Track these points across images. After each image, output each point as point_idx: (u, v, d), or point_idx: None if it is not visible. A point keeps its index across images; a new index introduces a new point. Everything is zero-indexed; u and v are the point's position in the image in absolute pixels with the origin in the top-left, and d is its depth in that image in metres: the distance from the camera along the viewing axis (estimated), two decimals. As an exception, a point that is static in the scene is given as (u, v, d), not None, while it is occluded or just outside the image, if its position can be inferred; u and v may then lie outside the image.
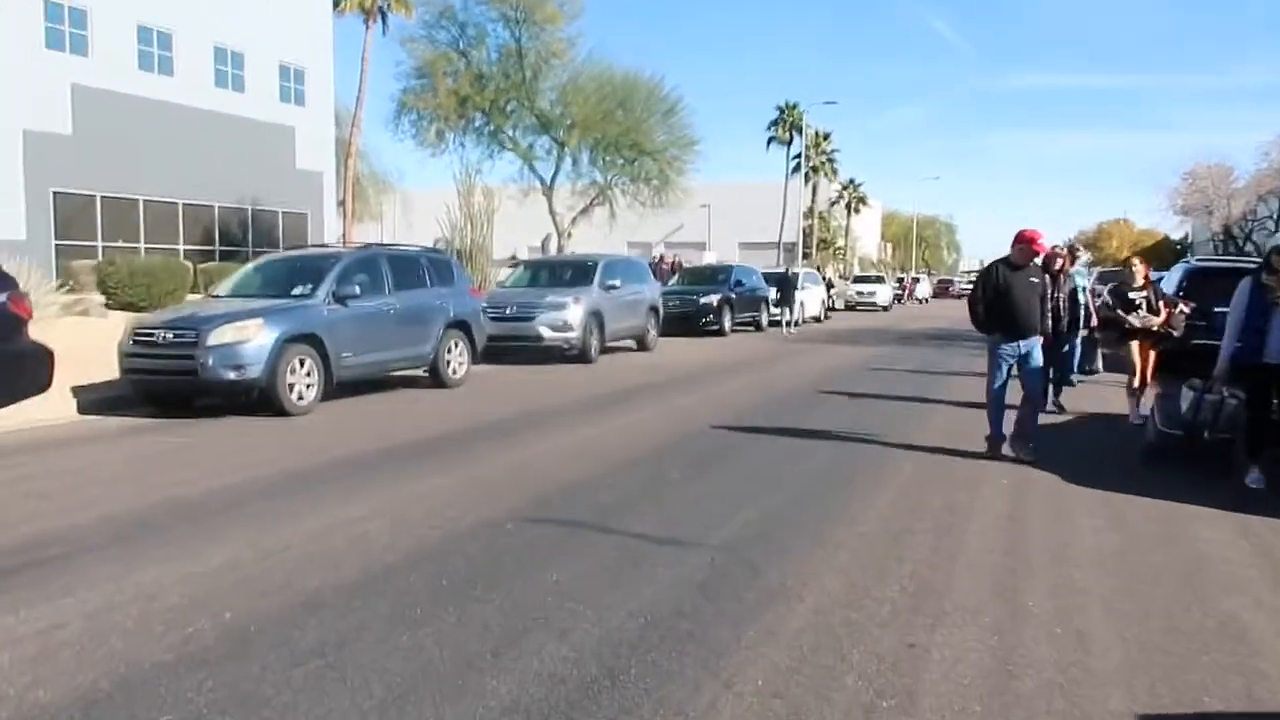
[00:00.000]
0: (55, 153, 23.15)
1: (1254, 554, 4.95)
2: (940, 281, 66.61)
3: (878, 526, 5.33)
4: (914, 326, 27.67)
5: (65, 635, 3.64)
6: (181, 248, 26.45)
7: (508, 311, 15.03)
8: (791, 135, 55.46)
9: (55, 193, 23.46)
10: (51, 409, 9.28)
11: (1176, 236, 61.67)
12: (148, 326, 9.44)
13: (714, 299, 21.74)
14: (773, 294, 24.35)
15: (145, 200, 25.83)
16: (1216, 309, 9.53)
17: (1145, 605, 4.14)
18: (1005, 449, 7.26)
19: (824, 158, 60.09)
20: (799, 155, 56.30)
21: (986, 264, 7.38)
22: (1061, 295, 9.37)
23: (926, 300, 52.96)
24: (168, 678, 3.26)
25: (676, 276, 25.75)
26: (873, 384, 12.42)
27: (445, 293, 11.89)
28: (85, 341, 11.92)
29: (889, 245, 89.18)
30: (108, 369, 9.85)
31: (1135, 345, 9.01)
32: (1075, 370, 11.32)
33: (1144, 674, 3.43)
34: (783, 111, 55.46)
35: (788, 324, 23.66)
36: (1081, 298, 10.40)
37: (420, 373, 11.75)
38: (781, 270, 27.60)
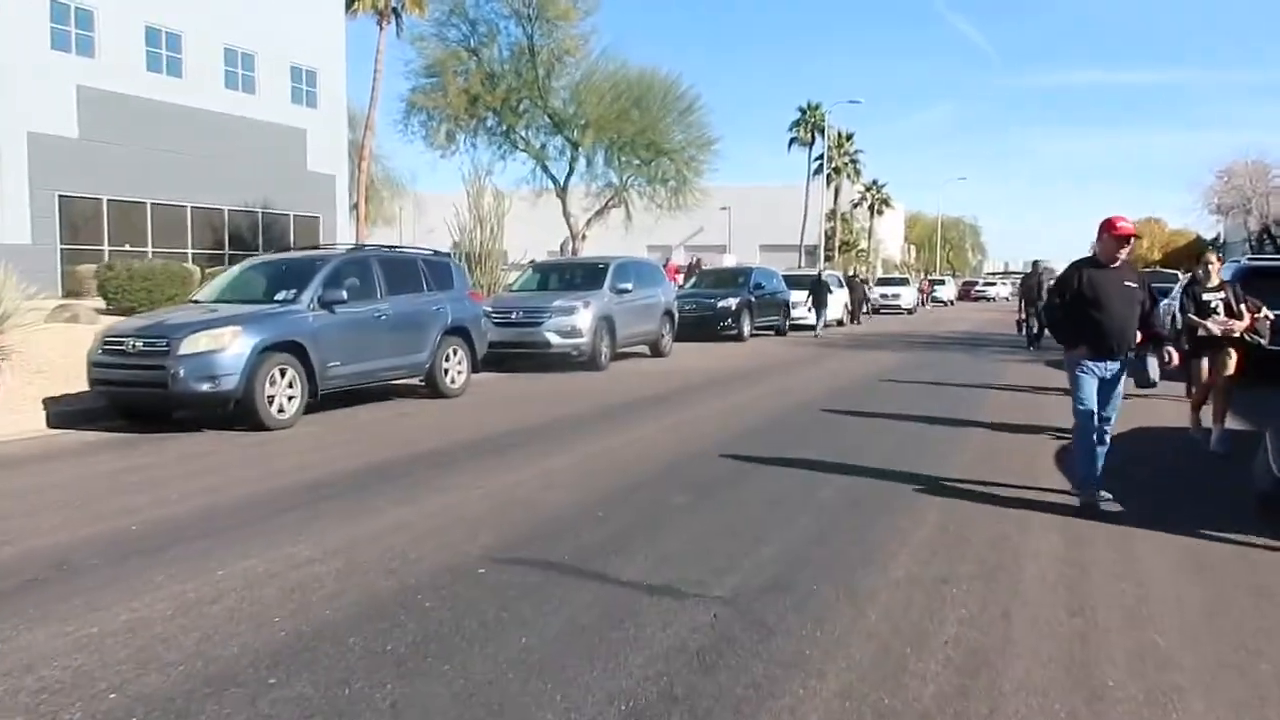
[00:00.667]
0: (61, 155, 22.76)
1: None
2: (965, 284, 65.38)
3: (913, 571, 4.52)
4: (939, 330, 26.69)
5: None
6: (190, 252, 26.00)
7: (514, 316, 14.32)
8: (813, 136, 54.59)
9: (61, 196, 23.07)
10: (18, 423, 8.68)
11: (1209, 236, 60.11)
12: (117, 334, 8.79)
13: (732, 303, 20.92)
14: (797, 296, 23.87)
15: (153, 203, 25.42)
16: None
17: (1256, 686, 3.31)
18: (1102, 500, 5.68)
19: (846, 158, 59.11)
20: (821, 156, 55.34)
21: (1071, 263, 6.13)
22: None
23: (951, 303, 51.78)
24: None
25: (693, 279, 24.96)
26: (899, 396, 11.59)
27: (443, 297, 11.17)
28: (69, 350, 11.32)
29: (912, 248, 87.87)
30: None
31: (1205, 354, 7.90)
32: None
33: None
34: (804, 112, 54.60)
35: (826, 325, 24.11)
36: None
37: (417, 382, 11.05)
38: (812, 273, 27.47)
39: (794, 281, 25.31)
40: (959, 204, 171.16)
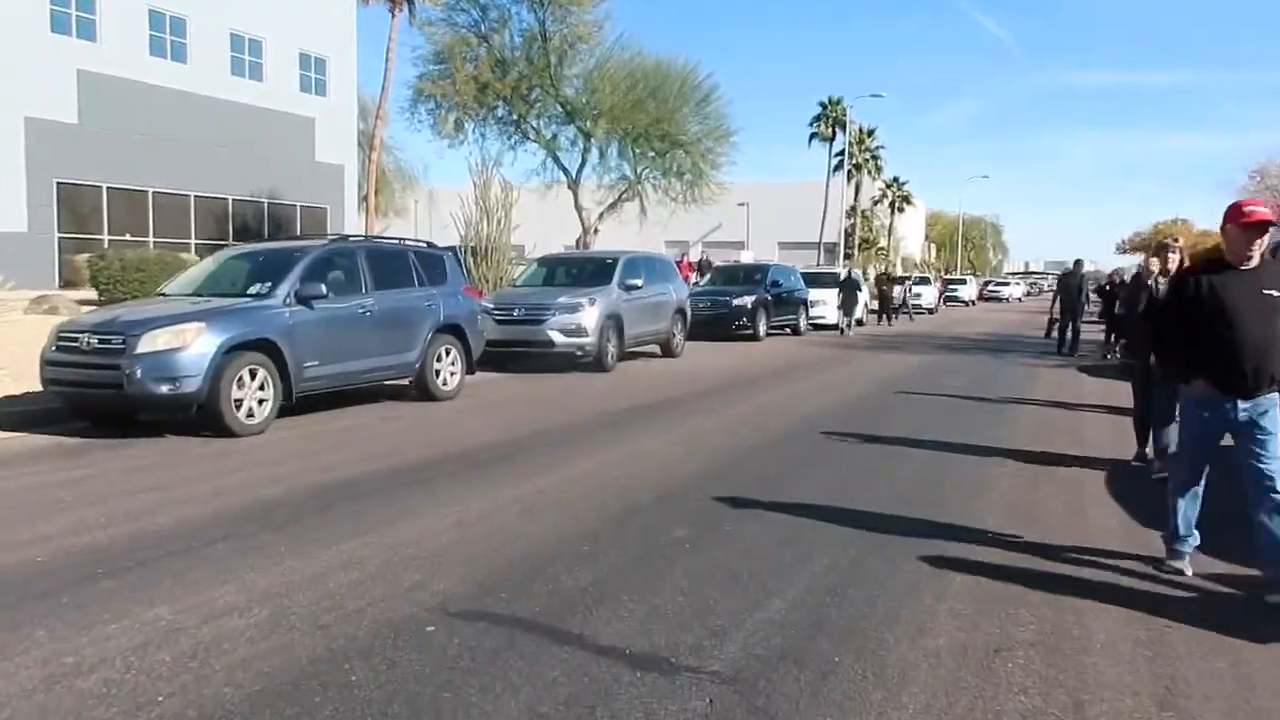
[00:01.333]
0: (59, 141, 22.16)
1: None
2: (985, 283, 64.15)
3: (957, 638, 3.70)
4: (962, 331, 25.71)
5: None
6: (193, 242, 25.39)
7: (515, 314, 13.56)
8: (834, 131, 53.48)
9: (59, 183, 22.47)
10: (-33, 424, 8.01)
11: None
12: (72, 330, 8.07)
13: (748, 301, 20.08)
14: (815, 294, 23.27)
15: (155, 192, 24.81)
16: None
17: None
18: (1186, 564, 4.57)
19: (867, 154, 57.95)
20: (841, 152, 54.28)
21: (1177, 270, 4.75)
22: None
23: (972, 303, 50.65)
24: None
25: (707, 276, 24.15)
26: (924, 406, 10.74)
27: (435, 292, 10.41)
28: (40, 345, 10.65)
29: (933, 246, 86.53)
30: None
31: None
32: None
33: None
34: (825, 107, 53.47)
35: (857, 323, 23.97)
36: None
37: (407, 384, 10.30)
38: (834, 271, 27.08)
39: (812, 279, 24.49)
40: (981, 202, 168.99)
